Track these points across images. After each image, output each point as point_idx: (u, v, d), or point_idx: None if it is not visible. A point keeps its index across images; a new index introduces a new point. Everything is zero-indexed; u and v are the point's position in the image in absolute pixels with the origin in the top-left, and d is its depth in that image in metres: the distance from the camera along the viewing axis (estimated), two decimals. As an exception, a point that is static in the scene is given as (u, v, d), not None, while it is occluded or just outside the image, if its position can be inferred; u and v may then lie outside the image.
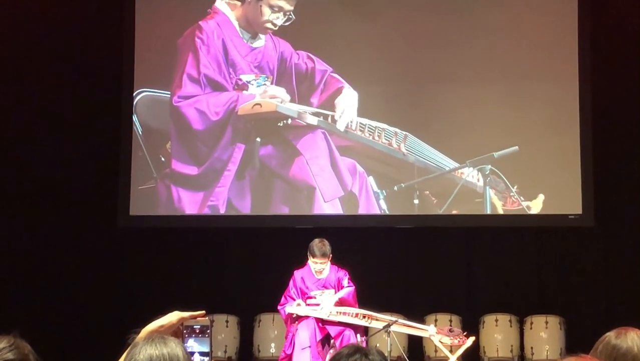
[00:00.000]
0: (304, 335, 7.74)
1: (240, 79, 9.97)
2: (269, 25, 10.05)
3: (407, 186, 9.89)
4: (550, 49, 9.90)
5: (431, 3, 10.11)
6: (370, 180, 9.89)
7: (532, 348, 9.47)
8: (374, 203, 9.88)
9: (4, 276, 9.69)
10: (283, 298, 8.00)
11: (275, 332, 9.43)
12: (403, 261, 9.99)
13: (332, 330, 7.78)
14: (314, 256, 7.91)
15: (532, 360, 9.43)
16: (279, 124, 10.00)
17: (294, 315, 7.86)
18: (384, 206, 9.88)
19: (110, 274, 9.94)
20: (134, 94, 10.09)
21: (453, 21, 10.03)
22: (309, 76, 10.03)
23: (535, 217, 9.80)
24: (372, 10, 10.04)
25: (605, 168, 9.76)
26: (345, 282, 7.96)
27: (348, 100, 9.96)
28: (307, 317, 7.82)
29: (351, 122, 9.96)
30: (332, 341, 7.75)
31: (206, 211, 9.91)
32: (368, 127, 9.95)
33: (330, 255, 7.95)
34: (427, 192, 9.89)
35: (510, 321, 9.56)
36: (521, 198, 9.77)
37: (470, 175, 9.85)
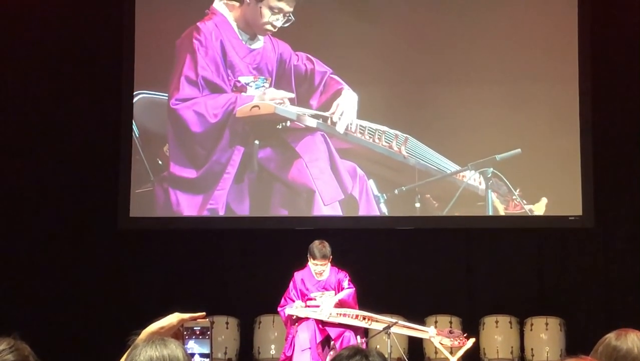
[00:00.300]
0: (304, 336, 7.73)
1: (239, 81, 9.96)
2: (268, 27, 10.04)
3: (408, 190, 9.88)
4: (551, 50, 9.90)
5: (431, 4, 10.10)
6: (371, 183, 9.88)
7: (532, 349, 9.47)
8: (374, 207, 9.87)
9: (5, 278, 9.68)
10: (283, 300, 8.00)
11: (276, 334, 9.43)
12: (403, 262, 9.99)
13: (332, 332, 7.78)
14: (314, 258, 7.91)
15: (532, 361, 9.45)
16: (277, 126, 9.98)
17: (294, 317, 7.86)
18: (384, 209, 9.87)
19: (110, 275, 9.93)
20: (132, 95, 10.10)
21: (453, 22, 10.03)
22: (309, 77, 10.02)
23: (535, 218, 9.79)
24: (372, 11, 10.03)
25: (606, 169, 9.76)
26: (345, 283, 7.96)
27: (348, 102, 9.95)
28: (307, 319, 7.82)
29: (351, 124, 9.95)
30: (332, 342, 7.75)
31: (205, 214, 9.90)
32: (368, 129, 9.93)
33: (331, 257, 7.94)
34: (428, 195, 9.88)
35: (510, 322, 9.56)
36: (523, 201, 9.77)
37: (472, 178, 9.83)
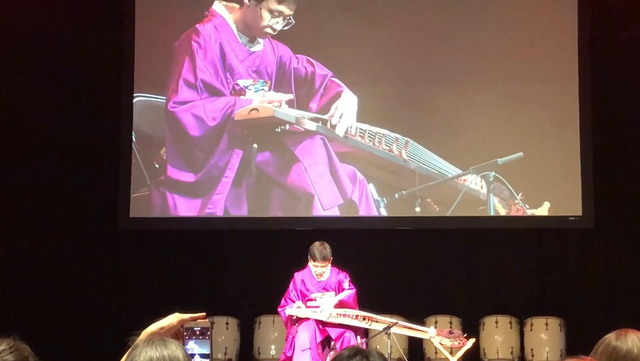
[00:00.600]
0: (304, 336, 7.74)
1: (238, 84, 9.93)
2: (268, 30, 10.02)
3: (408, 194, 9.87)
4: (550, 51, 9.90)
5: (431, 5, 10.10)
6: (371, 187, 9.87)
7: (532, 349, 9.47)
8: (374, 211, 9.86)
9: (5, 279, 9.69)
10: (283, 300, 8.00)
11: (276, 334, 9.43)
12: (403, 263, 9.99)
13: (333, 332, 7.78)
14: (314, 259, 7.91)
15: (532, 362, 9.45)
16: (276, 130, 9.96)
17: (294, 317, 7.86)
18: (384, 213, 9.86)
19: (110, 276, 9.94)
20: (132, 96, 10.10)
21: (454, 24, 10.03)
22: (309, 80, 10.01)
23: (535, 219, 9.80)
24: (372, 13, 10.03)
25: (606, 170, 9.76)
26: (345, 284, 7.96)
27: (347, 104, 9.94)
28: (307, 319, 7.82)
29: (350, 127, 9.93)
30: (332, 343, 7.75)
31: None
32: (368, 133, 9.92)
33: (331, 258, 7.94)
34: (429, 200, 9.87)
35: (510, 322, 9.56)
36: (526, 205, 9.76)
37: (474, 182, 9.82)
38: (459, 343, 7.72)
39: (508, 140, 9.90)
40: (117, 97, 10.09)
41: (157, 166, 10.03)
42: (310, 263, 7.95)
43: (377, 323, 7.77)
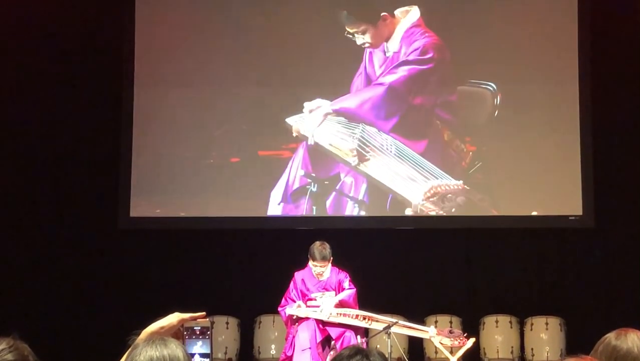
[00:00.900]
0: (304, 336, 7.74)
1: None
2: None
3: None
4: (550, 51, 9.91)
5: (431, 5, 10.11)
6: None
7: (532, 349, 9.47)
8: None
9: (5, 277, 9.69)
10: (283, 300, 8.00)
11: (276, 334, 9.44)
12: (403, 262, 9.99)
13: (333, 332, 7.78)
14: (314, 259, 7.91)
15: (532, 361, 9.45)
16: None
17: (295, 317, 7.86)
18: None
19: (110, 275, 9.94)
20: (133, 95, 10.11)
21: (453, 23, 10.04)
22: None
23: (535, 218, 9.80)
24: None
25: (606, 169, 9.77)
26: (346, 284, 7.95)
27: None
28: (307, 319, 7.82)
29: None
30: (332, 342, 7.75)
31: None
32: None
33: (331, 258, 7.94)
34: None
35: (510, 322, 9.56)
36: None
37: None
38: (459, 342, 7.72)
39: (507, 137, 9.91)
40: (117, 95, 10.08)
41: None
42: (310, 263, 7.95)
43: (378, 322, 7.77)
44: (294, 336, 7.82)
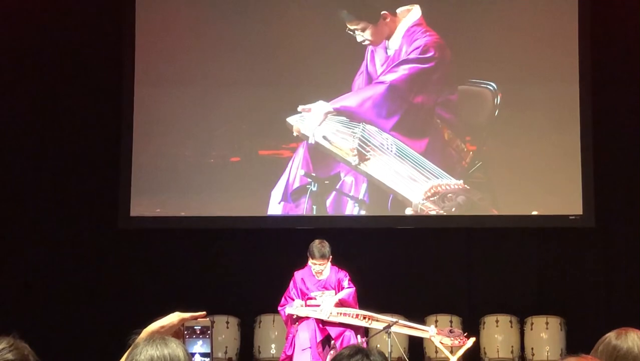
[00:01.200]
0: (304, 335, 7.74)
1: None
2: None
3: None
4: (551, 50, 9.91)
5: (432, 4, 10.11)
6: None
7: (532, 348, 9.47)
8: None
9: (5, 277, 9.69)
10: (283, 299, 8.00)
11: (276, 333, 9.44)
12: (403, 261, 9.99)
13: (333, 331, 7.78)
14: (313, 257, 7.91)
15: (532, 361, 9.45)
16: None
17: (294, 316, 7.86)
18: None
19: (110, 275, 9.94)
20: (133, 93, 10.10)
21: (453, 23, 10.04)
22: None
23: (535, 218, 9.80)
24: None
25: (606, 169, 9.77)
26: (345, 283, 7.96)
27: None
28: (307, 318, 7.82)
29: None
30: (332, 342, 7.75)
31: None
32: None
33: (330, 256, 7.95)
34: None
35: (510, 321, 9.56)
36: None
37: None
38: (460, 342, 7.73)
39: (508, 137, 9.91)
40: (117, 95, 10.08)
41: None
42: (310, 261, 7.96)
43: (378, 322, 7.77)
44: (294, 336, 7.82)
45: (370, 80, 10.06)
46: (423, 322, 8.83)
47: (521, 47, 9.94)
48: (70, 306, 9.76)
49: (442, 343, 7.76)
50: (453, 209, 9.85)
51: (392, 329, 7.62)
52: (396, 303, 9.39)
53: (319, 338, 7.76)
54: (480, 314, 9.67)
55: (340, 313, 7.78)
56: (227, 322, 9.58)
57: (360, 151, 9.95)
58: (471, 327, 9.15)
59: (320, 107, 10.02)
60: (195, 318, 2.82)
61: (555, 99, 9.90)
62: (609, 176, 9.78)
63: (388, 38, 10.06)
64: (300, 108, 10.02)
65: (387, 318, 7.83)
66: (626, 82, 9.88)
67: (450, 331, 7.87)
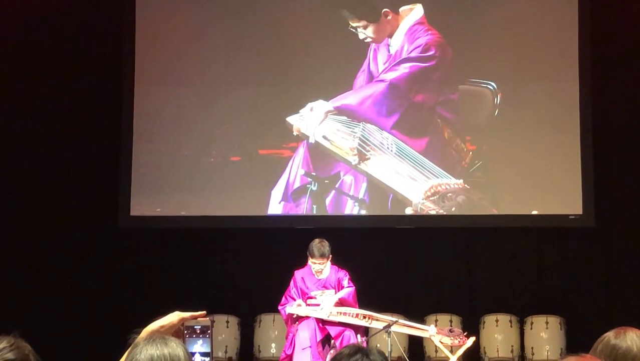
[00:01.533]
0: (305, 335, 7.74)
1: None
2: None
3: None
4: (551, 50, 9.91)
5: (435, 3, 10.11)
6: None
7: (532, 348, 9.47)
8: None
9: (5, 276, 9.69)
10: (283, 299, 8.01)
11: (276, 332, 9.44)
12: (403, 261, 10.00)
13: (333, 330, 7.79)
14: (312, 256, 7.92)
15: (532, 360, 9.43)
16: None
17: (295, 315, 7.86)
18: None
19: (110, 274, 9.94)
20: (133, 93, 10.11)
21: (456, 21, 10.04)
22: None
23: (535, 217, 9.80)
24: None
25: (606, 168, 9.77)
26: (345, 282, 7.96)
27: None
28: (307, 317, 7.82)
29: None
30: (332, 341, 7.75)
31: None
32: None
33: (330, 255, 7.95)
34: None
35: (510, 321, 9.56)
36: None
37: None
38: (459, 341, 7.73)
39: (508, 136, 9.92)
40: (117, 94, 10.08)
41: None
42: (309, 260, 7.97)
43: (378, 321, 7.78)
44: (294, 335, 7.82)
45: (371, 78, 10.06)
46: (423, 321, 8.83)
47: (521, 46, 9.94)
48: (70, 305, 9.76)
49: (442, 342, 7.76)
50: (453, 209, 9.85)
51: (392, 328, 7.62)
52: (396, 302, 9.40)
53: (319, 337, 7.76)
54: (480, 313, 9.67)
55: (340, 313, 7.78)
56: (227, 321, 9.58)
57: (360, 150, 9.96)
58: (471, 326, 9.15)
59: (320, 106, 10.02)
60: (195, 317, 2.82)
61: (555, 99, 9.90)
62: (609, 175, 9.79)
63: (390, 36, 10.06)
64: (301, 111, 10.03)
65: (387, 318, 7.83)
66: (626, 81, 9.88)
67: (450, 331, 7.88)
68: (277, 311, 8.21)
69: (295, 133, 10.04)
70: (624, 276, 9.78)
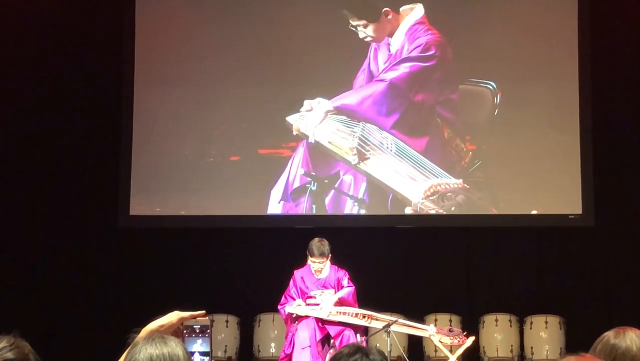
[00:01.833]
0: (304, 334, 7.74)
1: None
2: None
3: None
4: (551, 50, 9.92)
5: (435, 2, 10.12)
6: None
7: (532, 347, 9.47)
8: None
9: (5, 276, 9.69)
10: (283, 298, 8.01)
11: (275, 332, 9.44)
12: (403, 261, 10.00)
13: (332, 330, 7.79)
14: (312, 255, 7.92)
15: (532, 360, 9.44)
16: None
17: (294, 315, 7.86)
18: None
19: (110, 274, 9.94)
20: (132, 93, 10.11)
21: (456, 21, 10.05)
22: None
23: (535, 217, 9.80)
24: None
25: (606, 168, 9.77)
26: (345, 282, 7.97)
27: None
28: (307, 317, 7.83)
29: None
30: (332, 341, 7.75)
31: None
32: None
33: (330, 255, 7.95)
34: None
35: (510, 321, 9.56)
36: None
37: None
38: (459, 341, 7.73)
39: (507, 135, 9.92)
40: (117, 94, 10.09)
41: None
42: (309, 259, 7.97)
43: (377, 321, 7.78)
44: (293, 335, 7.83)
45: (371, 78, 10.07)
46: (422, 321, 8.83)
47: (521, 46, 9.95)
48: (69, 304, 9.76)
49: (441, 342, 7.76)
50: (452, 209, 9.85)
51: (392, 328, 7.62)
52: (395, 302, 9.39)
53: (319, 336, 7.76)
54: (480, 313, 9.68)
55: (340, 312, 7.78)
56: (227, 321, 9.58)
57: (359, 150, 9.96)
58: (470, 326, 9.16)
59: (320, 106, 10.02)
60: (195, 317, 2.82)
61: (555, 98, 9.91)
62: (608, 175, 9.79)
63: (390, 35, 10.06)
64: (302, 109, 10.03)
65: (387, 317, 7.83)
66: (626, 81, 9.88)
67: (450, 330, 7.88)
68: (277, 311, 8.21)
69: (294, 133, 10.04)
70: (623, 276, 9.78)
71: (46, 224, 9.93)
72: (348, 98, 10.04)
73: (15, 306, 9.42)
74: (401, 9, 10.06)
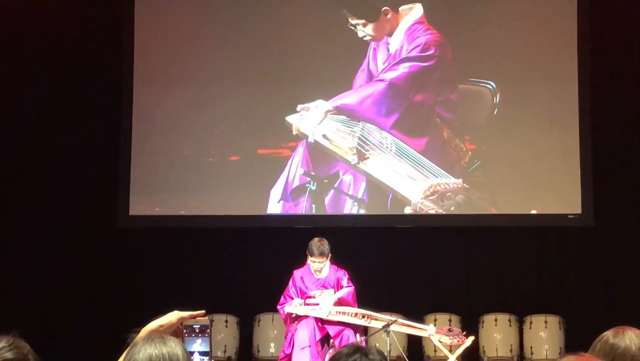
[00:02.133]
0: (304, 334, 7.74)
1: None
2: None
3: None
4: (550, 50, 9.92)
5: (434, 2, 10.12)
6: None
7: (531, 347, 9.48)
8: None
9: (4, 276, 9.69)
10: (282, 298, 8.01)
11: (275, 332, 9.44)
12: (402, 260, 10.00)
13: (332, 330, 7.79)
14: (312, 255, 7.92)
15: (531, 360, 9.44)
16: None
17: (294, 315, 7.87)
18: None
19: (110, 274, 9.94)
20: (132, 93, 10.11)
21: (455, 21, 10.05)
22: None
23: (534, 217, 9.80)
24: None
25: (605, 168, 9.77)
26: (344, 282, 7.97)
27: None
28: (306, 317, 7.83)
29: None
30: (331, 340, 7.75)
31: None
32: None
33: (329, 254, 7.95)
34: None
35: (509, 320, 9.57)
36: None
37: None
38: (458, 340, 7.73)
39: (507, 135, 9.92)
40: (117, 94, 10.08)
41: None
42: (309, 259, 7.98)
43: (377, 320, 7.78)
44: (293, 335, 7.83)
45: (371, 78, 10.07)
46: (422, 321, 8.83)
47: (521, 46, 9.95)
48: (69, 304, 9.76)
49: (441, 341, 7.76)
50: (452, 208, 9.86)
51: (391, 328, 7.62)
52: (395, 301, 9.39)
53: (318, 336, 7.76)
54: (479, 313, 9.68)
55: (339, 312, 7.78)
56: (226, 321, 9.58)
57: (359, 149, 9.96)
58: (470, 326, 9.16)
59: (319, 106, 10.02)
60: (194, 316, 2.82)
61: (554, 98, 9.91)
62: (608, 174, 9.79)
63: (390, 35, 10.06)
64: (299, 108, 10.03)
65: (386, 317, 7.83)
66: (625, 80, 9.88)
67: (449, 330, 7.88)
68: (276, 311, 8.21)
69: (294, 132, 10.04)
70: (622, 276, 9.79)
71: (46, 224, 9.93)
72: (348, 98, 10.04)
73: (15, 306, 9.41)
74: (400, 9, 10.06)
